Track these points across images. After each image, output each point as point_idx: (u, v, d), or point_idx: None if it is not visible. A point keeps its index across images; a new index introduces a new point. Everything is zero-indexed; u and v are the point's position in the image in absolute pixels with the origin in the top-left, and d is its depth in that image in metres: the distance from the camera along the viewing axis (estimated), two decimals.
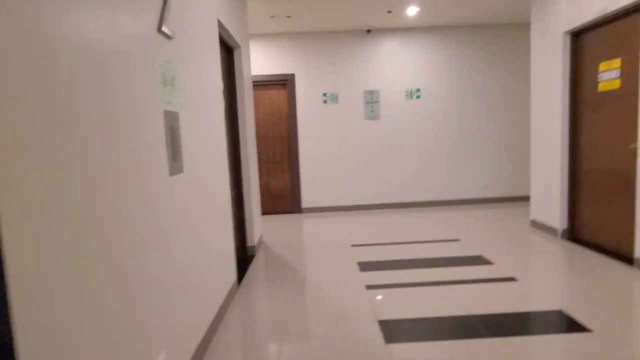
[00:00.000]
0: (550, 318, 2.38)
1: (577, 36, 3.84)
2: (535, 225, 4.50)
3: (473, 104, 5.98)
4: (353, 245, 4.13)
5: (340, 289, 2.99)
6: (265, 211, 6.05)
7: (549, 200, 4.23)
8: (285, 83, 5.85)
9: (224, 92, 3.35)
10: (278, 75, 5.79)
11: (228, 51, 3.68)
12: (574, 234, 4.01)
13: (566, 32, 3.88)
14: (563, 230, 4.06)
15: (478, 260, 3.49)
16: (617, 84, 3.38)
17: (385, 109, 5.94)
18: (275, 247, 4.24)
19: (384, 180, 6.04)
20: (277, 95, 5.89)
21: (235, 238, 3.63)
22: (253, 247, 3.98)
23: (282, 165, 6.00)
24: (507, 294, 2.74)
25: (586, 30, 3.71)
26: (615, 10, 3.23)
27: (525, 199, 6.15)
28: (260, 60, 5.78)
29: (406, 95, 5.92)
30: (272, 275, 3.37)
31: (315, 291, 2.96)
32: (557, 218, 4.09)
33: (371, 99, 5.90)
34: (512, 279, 3.01)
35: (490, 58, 5.92)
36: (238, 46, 3.74)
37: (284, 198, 6.05)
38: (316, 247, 4.16)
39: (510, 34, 5.89)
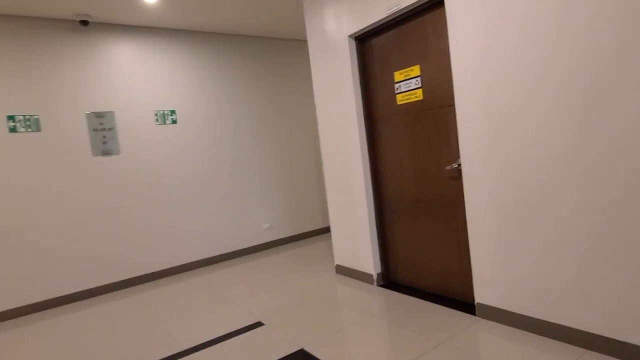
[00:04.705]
0: None
1: (363, 41, 3.21)
2: (343, 271, 3.64)
3: (248, 129, 4.87)
4: None
5: None
6: None
7: (355, 240, 3.43)
8: None
9: None
10: None
11: None
12: (390, 279, 3.31)
13: (350, 36, 3.20)
14: (378, 275, 3.31)
15: None
16: (419, 94, 2.83)
17: (127, 138, 4.09)
18: None
19: (130, 245, 4.12)
20: None
21: None
22: None
23: None
24: None
25: (373, 34, 3.10)
26: (409, 7, 2.65)
27: (318, 232, 5.43)
28: None
29: (157, 120, 4.26)
30: None
31: None
32: (370, 262, 3.31)
33: (101, 125, 3.93)
34: None
35: (269, 74, 4.97)
36: None
37: None
38: None
39: (293, 49, 5.13)
